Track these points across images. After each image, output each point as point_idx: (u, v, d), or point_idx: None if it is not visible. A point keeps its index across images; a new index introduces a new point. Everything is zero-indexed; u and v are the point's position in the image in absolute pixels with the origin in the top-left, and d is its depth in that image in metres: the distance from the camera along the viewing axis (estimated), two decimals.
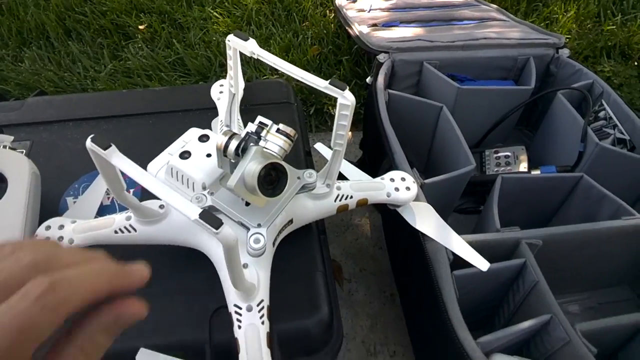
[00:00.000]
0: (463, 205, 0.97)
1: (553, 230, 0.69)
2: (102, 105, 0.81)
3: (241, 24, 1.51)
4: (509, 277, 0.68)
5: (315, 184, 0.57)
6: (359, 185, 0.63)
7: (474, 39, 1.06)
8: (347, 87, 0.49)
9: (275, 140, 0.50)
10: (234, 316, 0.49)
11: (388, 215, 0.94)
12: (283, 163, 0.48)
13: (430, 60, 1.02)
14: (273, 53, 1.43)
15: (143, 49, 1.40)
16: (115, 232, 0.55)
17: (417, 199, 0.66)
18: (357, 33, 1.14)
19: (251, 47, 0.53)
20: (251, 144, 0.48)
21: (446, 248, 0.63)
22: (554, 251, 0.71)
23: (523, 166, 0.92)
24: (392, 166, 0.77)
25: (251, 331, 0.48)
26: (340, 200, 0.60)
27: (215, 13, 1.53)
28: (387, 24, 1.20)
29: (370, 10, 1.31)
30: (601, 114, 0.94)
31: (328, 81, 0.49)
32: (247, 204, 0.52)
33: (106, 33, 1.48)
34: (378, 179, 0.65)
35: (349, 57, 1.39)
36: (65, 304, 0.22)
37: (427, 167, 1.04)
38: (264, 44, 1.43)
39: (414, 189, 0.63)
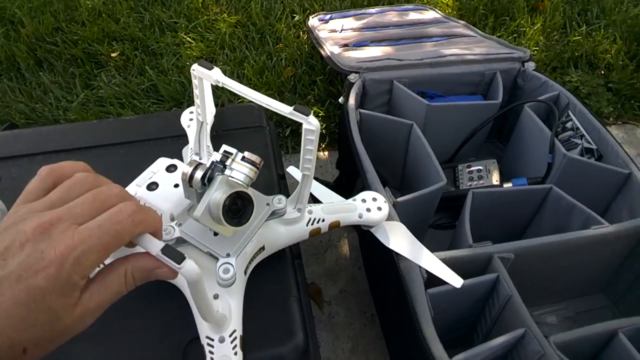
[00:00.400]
0: (439, 221, 0.98)
1: (524, 243, 0.70)
2: (72, 137, 0.80)
3: (215, 47, 1.51)
4: (484, 293, 0.69)
5: (285, 209, 0.57)
6: (331, 208, 0.63)
7: (442, 56, 1.08)
8: (311, 112, 0.49)
9: (240, 169, 0.50)
10: (206, 348, 0.48)
11: (363, 235, 0.94)
12: (249, 191, 0.48)
13: (400, 79, 1.04)
14: (247, 76, 1.44)
15: (115, 77, 1.40)
16: None
17: (389, 218, 0.66)
18: (329, 54, 1.15)
19: (215, 76, 0.53)
20: (217, 173, 0.48)
21: (420, 266, 0.64)
22: (526, 263, 0.72)
23: (495, 179, 0.93)
24: (365, 186, 0.78)
25: None
26: (312, 224, 0.60)
27: (188, 38, 1.54)
28: (358, 44, 1.22)
29: (341, 30, 1.33)
30: (568, 124, 0.96)
31: (292, 107, 0.49)
32: (216, 233, 0.52)
33: (78, 62, 1.47)
34: (350, 200, 0.66)
35: (323, 77, 1.40)
36: (143, 224, 0.32)
37: (402, 183, 1.05)
38: (237, 66, 1.44)
39: (385, 208, 0.64)
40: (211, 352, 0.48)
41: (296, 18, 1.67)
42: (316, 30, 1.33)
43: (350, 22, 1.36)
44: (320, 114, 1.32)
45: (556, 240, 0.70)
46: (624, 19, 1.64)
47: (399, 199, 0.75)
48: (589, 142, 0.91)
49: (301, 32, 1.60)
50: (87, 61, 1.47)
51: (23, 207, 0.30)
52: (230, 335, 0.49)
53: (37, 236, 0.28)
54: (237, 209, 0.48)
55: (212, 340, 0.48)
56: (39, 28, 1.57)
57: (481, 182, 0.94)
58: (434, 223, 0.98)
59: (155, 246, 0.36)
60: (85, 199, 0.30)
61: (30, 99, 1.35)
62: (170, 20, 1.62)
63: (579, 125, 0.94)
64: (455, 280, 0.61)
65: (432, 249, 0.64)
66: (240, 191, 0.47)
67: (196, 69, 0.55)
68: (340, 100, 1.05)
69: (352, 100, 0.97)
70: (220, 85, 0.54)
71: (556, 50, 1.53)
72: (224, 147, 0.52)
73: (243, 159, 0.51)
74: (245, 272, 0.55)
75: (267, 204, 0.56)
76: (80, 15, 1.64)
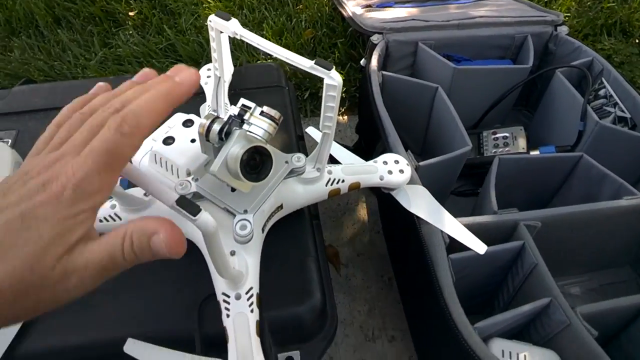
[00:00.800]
0: (461, 188, 0.95)
1: (552, 211, 0.67)
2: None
3: (233, 8, 1.48)
4: (508, 260, 0.67)
5: (304, 168, 0.55)
6: (351, 169, 0.61)
7: (470, 18, 1.03)
8: (334, 67, 0.47)
9: (259, 124, 0.48)
10: (222, 305, 0.48)
11: (383, 199, 0.93)
12: (268, 147, 0.47)
13: (425, 41, 1.00)
14: (266, 37, 1.40)
15: (134, 36, 1.37)
16: (100, 220, 0.54)
17: (411, 181, 0.64)
18: (350, 14, 1.11)
19: (233, 27, 0.51)
20: (235, 127, 0.46)
21: (442, 231, 0.62)
22: (553, 233, 0.69)
23: (522, 147, 0.90)
24: (386, 149, 0.75)
25: (240, 320, 0.46)
26: (331, 184, 0.58)
27: None
28: (382, 5, 1.18)
29: None
30: (601, 92, 0.91)
31: (313, 61, 0.46)
32: (233, 189, 0.51)
33: (96, 20, 1.45)
34: (371, 162, 0.63)
35: (344, 40, 1.36)
36: (138, 129, 0.29)
37: (424, 149, 1.02)
38: (256, 28, 1.40)
39: (408, 171, 0.62)
40: (227, 309, 0.47)
41: None
42: None
43: None
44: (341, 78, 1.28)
45: (586, 209, 0.67)
46: None
47: (422, 163, 0.72)
48: (623, 111, 0.87)
49: None
50: (105, 19, 1.45)
51: (32, 158, 0.29)
52: (246, 293, 0.48)
53: (41, 174, 0.27)
54: (256, 164, 0.46)
55: (228, 297, 0.48)
56: None
57: (507, 149, 0.91)
58: (456, 190, 0.95)
59: (169, 198, 0.34)
60: (82, 129, 0.29)
61: (49, 56, 1.34)
62: None
63: (612, 93, 0.89)
64: (479, 247, 0.59)
65: (454, 215, 0.62)
66: (259, 146, 0.45)
67: (213, 20, 0.52)
68: (362, 62, 1.01)
69: (374, 62, 0.94)
70: (238, 37, 0.51)
71: (589, 16, 1.46)
72: (242, 101, 0.50)
73: (262, 113, 0.49)
74: (263, 230, 0.53)
75: (286, 162, 0.54)
76: None
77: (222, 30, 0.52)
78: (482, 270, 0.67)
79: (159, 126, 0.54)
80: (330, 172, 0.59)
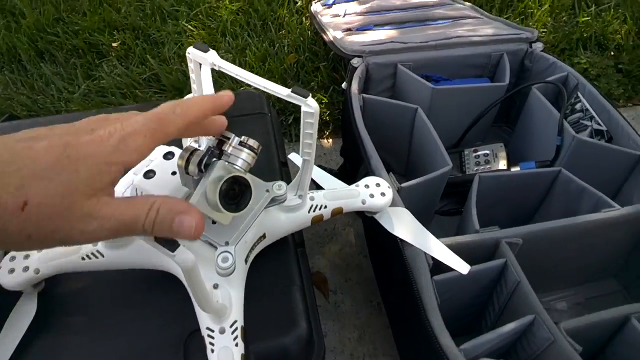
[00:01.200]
0: (446, 207, 0.96)
1: (533, 227, 0.68)
2: None
3: (217, 35, 1.49)
4: (492, 279, 0.67)
5: (285, 196, 0.55)
6: (333, 195, 0.61)
7: (448, 38, 1.05)
8: (310, 95, 0.47)
9: (238, 154, 0.48)
10: (207, 340, 0.47)
11: (368, 223, 0.93)
12: (248, 176, 0.47)
13: (404, 62, 1.02)
14: (250, 63, 1.42)
15: (117, 67, 1.38)
16: (83, 258, 0.53)
17: (394, 204, 0.65)
18: (332, 39, 1.13)
19: (212, 59, 0.51)
20: (214, 159, 0.47)
21: (426, 253, 0.62)
22: (536, 249, 0.70)
23: (503, 164, 0.91)
24: (369, 172, 0.76)
25: (225, 355, 0.46)
26: (314, 211, 0.59)
27: (189, 26, 1.52)
28: (362, 28, 1.20)
29: (345, 15, 1.30)
30: (578, 106, 0.93)
31: (290, 90, 0.47)
32: (215, 222, 0.51)
33: (79, 53, 1.46)
34: (353, 186, 0.64)
35: (327, 64, 1.38)
36: (187, 114, 0.33)
37: (408, 170, 1.03)
38: (240, 54, 1.42)
39: (389, 194, 0.62)
40: (212, 344, 0.47)
41: (299, 4, 1.64)
42: (319, 16, 1.31)
43: (353, 7, 1.33)
44: (324, 101, 1.30)
45: (566, 224, 0.68)
46: None
47: (404, 185, 0.73)
48: (599, 124, 0.89)
49: (304, 19, 1.58)
50: (88, 52, 1.46)
51: None
52: (231, 326, 0.48)
53: (91, 124, 0.30)
54: (235, 194, 0.47)
55: (213, 331, 0.47)
56: (40, 19, 1.55)
57: (488, 166, 0.92)
58: (441, 209, 0.96)
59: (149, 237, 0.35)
60: None
61: (32, 90, 1.35)
62: (171, 8, 1.60)
63: (588, 106, 0.91)
64: (462, 267, 0.59)
65: (439, 235, 0.63)
66: (238, 176, 0.46)
67: (192, 52, 0.53)
68: (344, 85, 1.03)
69: (355, 85, 0.95)
70: (216, 68, 0.52)
71: (565, 31, 1.49)
72: (222, 132, 0.50)
73: (241, 143, 0.49)
74: (247, 262, 0.53)
75: (267, 191, 0.54)
76: (81, 5, 1.63)
77: (201, 62, 0.53)
78: (468, 291, 0.67)
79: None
80: (312, 199, 0.59)
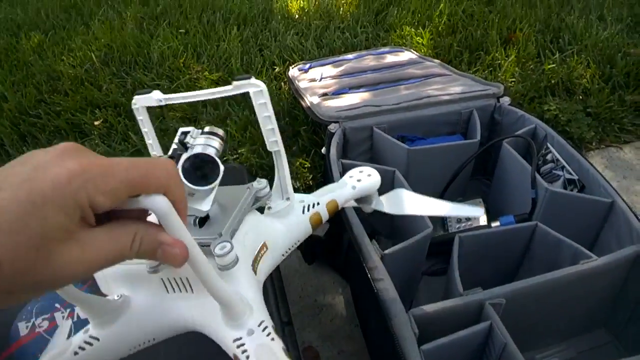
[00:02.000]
0: (433, 267, 0.97)
1: (514, 285, 0.69)
2: None
3: (197, 106, 1.53)
4: (479, 343, 0.67)
5: (269, 193, 0.54)
6: (321, 191, 0.61)
7: (418, 99, 1.09)
8: (252, 76, 0.47)
9: (202, 142, 0.47)
10: (238, 350, 0.42)
11: (355, 290, 0.93)
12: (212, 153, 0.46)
13: (379, 125, 1.05)
14: (231, 132, 1.43)
15: (100, 145, 1.41)
16: (76, 353, 0.47)
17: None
18: (309, 104, 1.17)
19: (156, 96, 0.52)
20: (179, 152, 0.46)
21: (410, 322, 0.62)
22: (520, 306, 0.70)
23: (483, 219, 0.93)
24: (352, 241, 0.77)
25: (262, 352, 0.41)
26: (307, 210, 0.57)
27: None
28: (337, 92, 1.24)
29: (321, 79, 1.35)
30: (549, 156, 0.96)
31: (233, 83, 0.47)
32: (201, 224, 0.49)
33: (62, 133, 1.49)
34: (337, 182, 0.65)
35: (307, 127, 1.42)
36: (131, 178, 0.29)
37: (393, 231, 1.04)
38: (222, 123, 1.45)
39: (375, 174, 0.64)
40: (244, 351, 0.41)
41: (277, 70, 1.70)
42: (296, 81, 1.36)
43: (328, 70, 1.39)
44: (306, 165, 1.32)
45: (545, 279, 0.69)
46: (595, 43, 1.68)
47: (386, 252, 0.74)
48: (570, 173, 0.91)
49: (282, 83, 1.63)
50: (70, 131, 1.49)
51: None
52: (259, 325, 0.43)
53: (62, 154, 0.27)
54: (203, 174, 0.45)
55: (240, 338, 0.42)
56: (22, 102, 1.59)
57: (469, 223, 0.94)
58: (429, 269, 0.96)
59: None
60: None
61: None
62: (152, 82, 1.65)
63: (558, 156, 0.94)
64: (476, 212, 0.61)
65: (427, 298, 0.63)
66: (200, 153, 0.45)
67: (137, 99, 0.54)
68: (323, 150, 1.06)
69: (333, 150, 0.98)
70: (163, 103, 0.53)
71: (532, 79, 1.55)
72: (181, 129, 0.50)
73: (202, 132, 0.48)
74: (255, 271, 0.49)
75: (248, 188, 0.53)
76: (62, 85, 1.67)
77: (148, 104, 0.53)
78: (457, 357, 0.67)
79: None
80: (302, 201, 0.58)
